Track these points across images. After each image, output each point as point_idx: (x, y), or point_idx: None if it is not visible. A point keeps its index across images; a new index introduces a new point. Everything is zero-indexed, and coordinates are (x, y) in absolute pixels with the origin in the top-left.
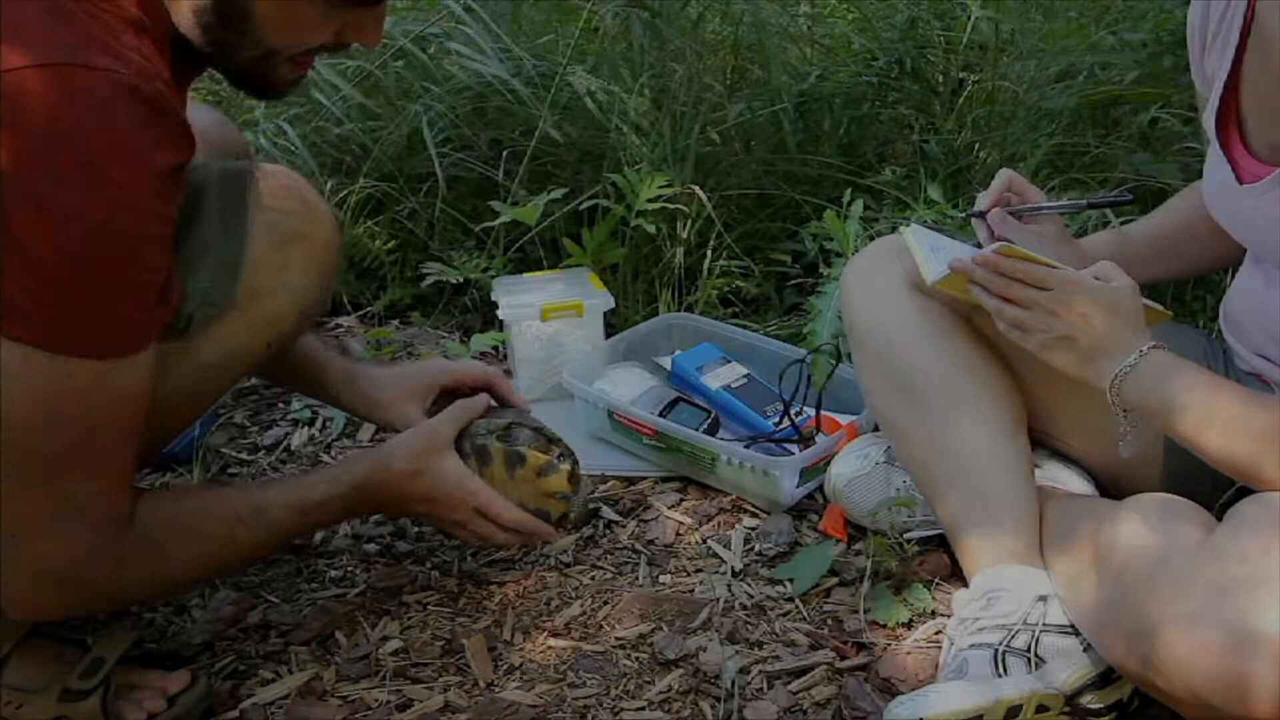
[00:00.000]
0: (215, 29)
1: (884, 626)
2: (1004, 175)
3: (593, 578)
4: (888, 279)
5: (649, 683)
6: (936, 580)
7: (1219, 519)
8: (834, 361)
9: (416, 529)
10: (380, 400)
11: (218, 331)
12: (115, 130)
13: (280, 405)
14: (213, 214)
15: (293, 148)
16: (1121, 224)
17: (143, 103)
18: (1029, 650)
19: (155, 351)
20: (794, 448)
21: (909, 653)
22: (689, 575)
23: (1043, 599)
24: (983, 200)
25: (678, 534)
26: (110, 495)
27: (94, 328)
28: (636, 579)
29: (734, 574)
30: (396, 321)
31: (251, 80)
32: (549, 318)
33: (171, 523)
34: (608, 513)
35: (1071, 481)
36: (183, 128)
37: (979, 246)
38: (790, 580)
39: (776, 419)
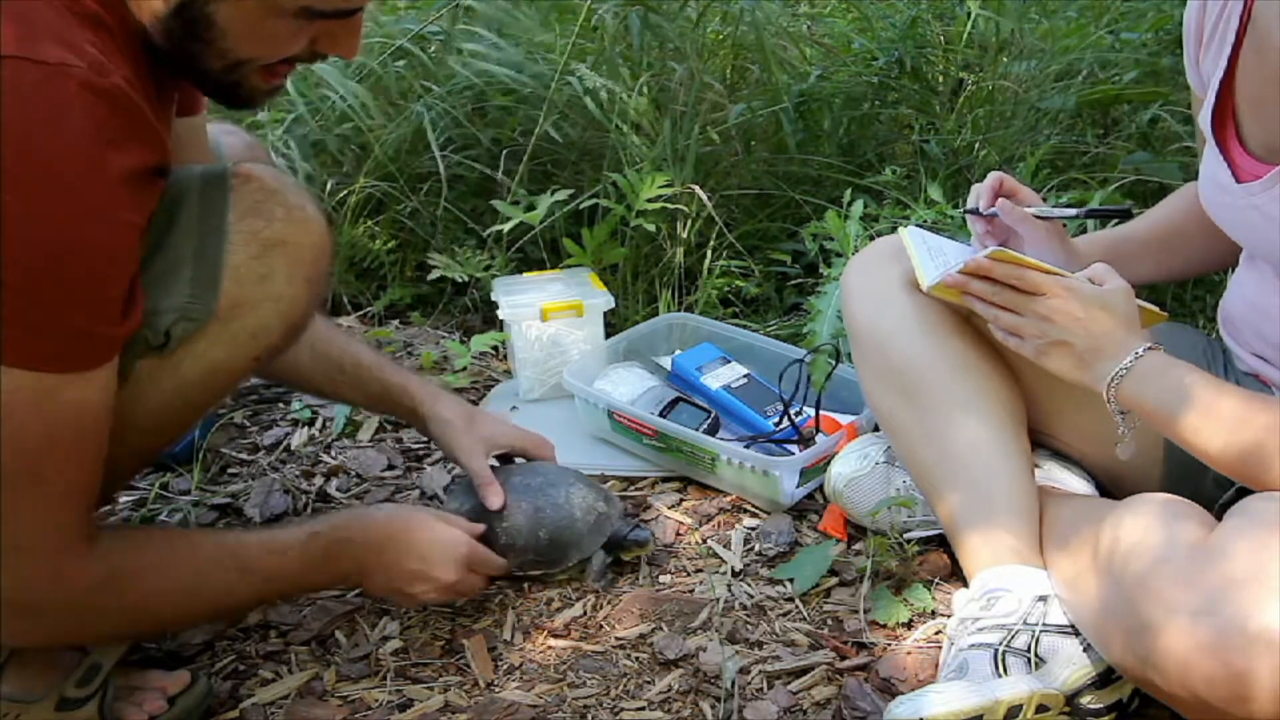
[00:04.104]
0: (179, 36)
1: (884, 626)
2: (995, 176)
3: None
4: (888, 279)
5: (649, 683)
6: (936, 580)
7: (1219, 519)
8: (833, 362)
9: None
10: (458, 439)
11: (199, 346)
12: (67, 128)
13: (280, 405)
14: (189, 224)
15: (286, 148)
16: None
17: (99, 98)
18: (1029, 650)
19: (116, 369)
20: (794, 448)
21: (909, 653)
22: (689, 575)
23: (1043, 599)
24: (976, 198)
25: (678, 534)
26: (62, 520)
27: (44, 338)
28: (636, 579)
29: (734, 574)
30: (396, 321)
31: (222, 90)
32: (549, 318)
33: (140, 560)
34: None
35: (1071, 481)
36: (148, 128)
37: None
38: (790, 580)
39: (776, 419)
